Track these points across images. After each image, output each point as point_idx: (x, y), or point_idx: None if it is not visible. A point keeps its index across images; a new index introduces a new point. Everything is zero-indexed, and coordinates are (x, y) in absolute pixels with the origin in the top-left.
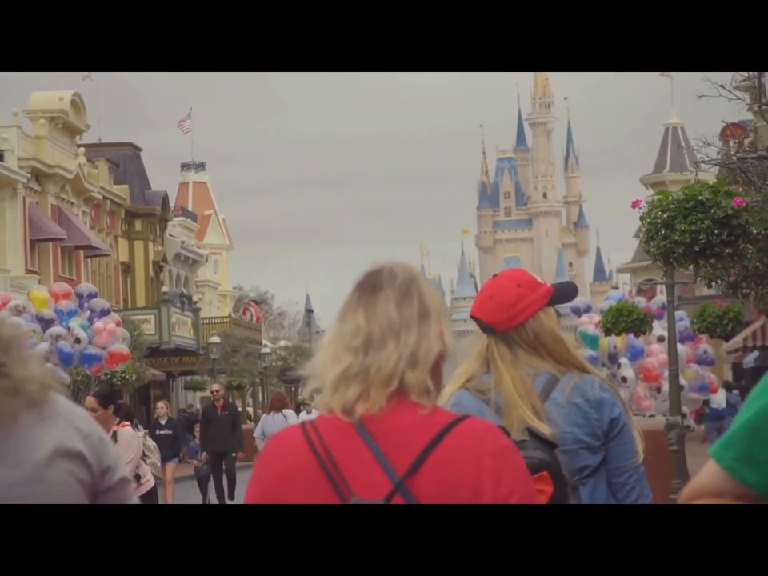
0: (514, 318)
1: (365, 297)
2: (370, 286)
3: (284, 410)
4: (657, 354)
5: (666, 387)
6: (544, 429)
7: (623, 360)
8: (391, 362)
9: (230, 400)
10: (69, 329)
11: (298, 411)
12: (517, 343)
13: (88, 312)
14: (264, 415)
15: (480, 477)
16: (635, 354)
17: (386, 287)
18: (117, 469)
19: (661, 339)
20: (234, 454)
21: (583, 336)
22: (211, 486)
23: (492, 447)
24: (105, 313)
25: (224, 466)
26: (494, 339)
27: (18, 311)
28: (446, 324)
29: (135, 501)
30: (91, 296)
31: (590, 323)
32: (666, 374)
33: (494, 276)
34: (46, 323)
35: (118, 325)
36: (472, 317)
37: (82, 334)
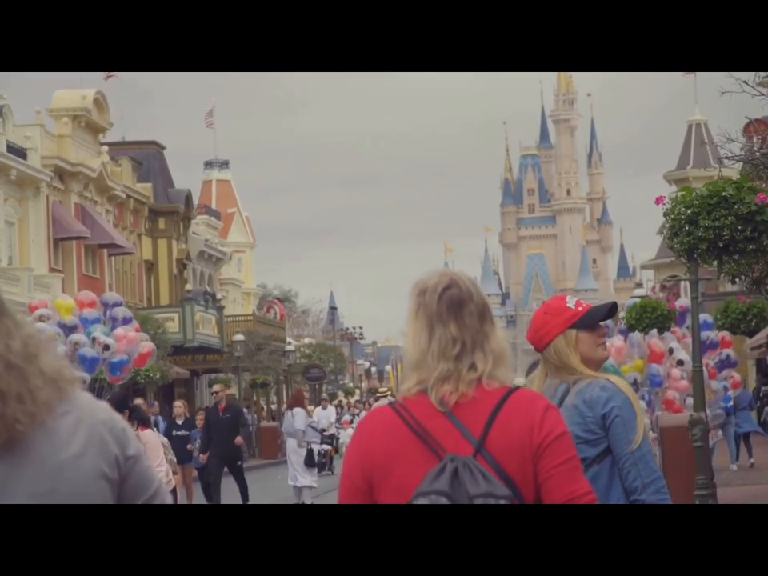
0: (541, 340)
1: (452, 310)
2: (456, 300)
3: (294, 408)
4: (678, 381)
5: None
6: None
7: (641, 403)
8: (481, 365)
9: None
10: (93, 339)
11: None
12: (549, 360)
13: (110, 321)
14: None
15: (531, 428)
16: (655, 384)
17: (467, 302)
18: (138, 456)
19: (680, 363)
20: (239, 463)
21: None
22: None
23: (539, 405)
24: (126, 321)
25: (232, 474)
26: (541, 357)
27: (42, 320)
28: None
29: (159, 485)
30: (116, 305)
31: (611, 348)
32: (688, 400)
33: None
34: (68, 330)
35: (137, 331)
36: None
37: (110, 341)
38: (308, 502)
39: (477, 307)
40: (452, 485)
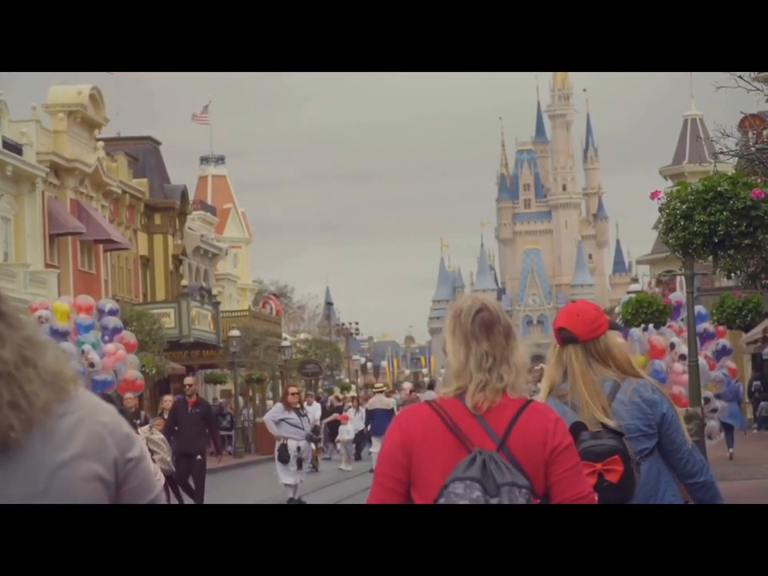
0: (594, 331)
1: (484, 330)
2: (487, 322)
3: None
4: (681, 375)
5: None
6: (612, 423)
7: None
8: (506, 376)
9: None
10: (83, 352)
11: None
12: (591, 353)
13: (101, 329)
14: None
15: (545, 433)
16: (658, 380)
17: (496, 324)
18: (139, 459)
19: (683, 357)
20: (200, 457)
21: None
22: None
23: (551, 417)
24: (117, 331)
25: (192, 469)
26: (573, 349)
27: (41, 322)
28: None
29: (159, 492)
30: (111, 312)
31: None
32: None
33: (573, 302)
34: (60, 336)
35: (131, 348)
36: (559, 329)
37: (97, 359)
38: (285, 499)
39: (503, 327)
40: (483, 473)
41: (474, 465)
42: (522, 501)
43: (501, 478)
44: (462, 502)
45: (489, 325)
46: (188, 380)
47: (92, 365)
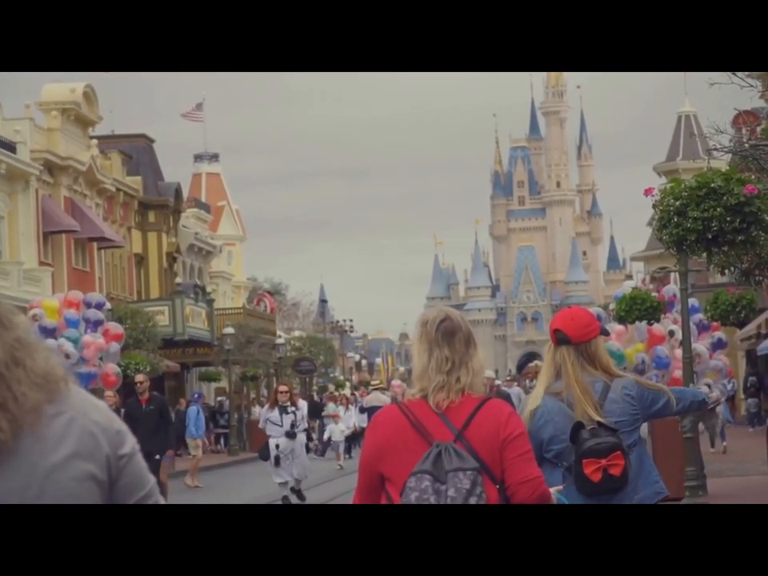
0: (587, 334)
1: (446, 338)
2: (449, 330)
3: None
4: (681, 360)
5: None
6: (605, 420)
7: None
8: (464, 378)
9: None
10: (59, 345)
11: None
12: (583, 355)
13: (84, 323)
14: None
15: (498, 425)
16: (662, 366)
17: (457, 332)
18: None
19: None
20: (157, 457)
21: (609, 353)
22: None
23: (505, 411)
24: (98, 324)
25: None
26: (567, 350)
27: (35, 320)
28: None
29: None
30: (98, 305)
31: (612, 333)
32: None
33: (569, 306)
34: (48, 333)
35: (118, 338)
36: (555, 330)
37: (72, 350)
38: (279, 497)
39: (464, 335)
40: (434, 465)
41: (429, 458)
42: (466, 483)
43: (449, 465)
44: (413, 494)
45: (450, 333)
46: (139, 377)
47: (67, 356)
